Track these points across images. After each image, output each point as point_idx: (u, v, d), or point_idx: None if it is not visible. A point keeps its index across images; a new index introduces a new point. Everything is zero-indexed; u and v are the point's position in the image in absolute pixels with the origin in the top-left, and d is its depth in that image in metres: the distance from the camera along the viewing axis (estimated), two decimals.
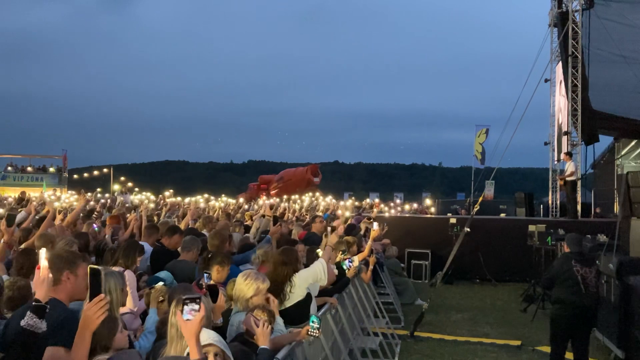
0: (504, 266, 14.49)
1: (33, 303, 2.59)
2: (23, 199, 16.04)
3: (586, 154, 18.89)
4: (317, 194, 29.60)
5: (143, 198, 21.01)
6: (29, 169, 44.40)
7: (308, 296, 4.98)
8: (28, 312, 2.59)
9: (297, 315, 4.76)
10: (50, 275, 2.68)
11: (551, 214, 19.19)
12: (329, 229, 6.42)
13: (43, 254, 2.69)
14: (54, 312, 2.90)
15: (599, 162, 23.74)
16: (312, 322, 3.95)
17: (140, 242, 6.04)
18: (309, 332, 3.94)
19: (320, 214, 13.79)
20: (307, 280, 5.00)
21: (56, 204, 8.68)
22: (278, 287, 4.80)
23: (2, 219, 6.14)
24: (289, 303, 4.85)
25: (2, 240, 5.44)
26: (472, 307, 11.59)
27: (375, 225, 8.06)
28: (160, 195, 22.28)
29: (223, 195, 27.42)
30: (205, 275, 4.27)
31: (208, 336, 2.98)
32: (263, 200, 17.50)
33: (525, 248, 13.19)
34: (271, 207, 12.44)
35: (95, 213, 11.26)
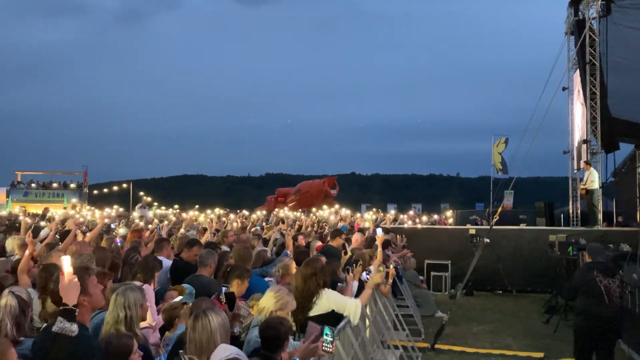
0: (525, 277, 14.31)
1: (61, 308, 2.66)
2: (46, 215, 16.31)
3: (606, 162, 18.65)
4: (337, 206, 29.60)
5: (165, 213, 21.19)
6: (50, 185, 45.09)
7: (331, 313, 4.99)
8: (59, 317, 2.66)
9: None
10: (76, 279, 2.73)
11: (572, 224, 18.93)
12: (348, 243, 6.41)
13: (67, 260, 2.73)
14: (76, 339, 2.93)
15: (620, 170, 23.39)
16: (326, 335, 3.75)
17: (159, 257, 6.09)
18: (324, 348, 3.76)
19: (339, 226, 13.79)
20: (331, 304, 5.00)
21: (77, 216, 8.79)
22: (308, 300, 4.83)
23: (28, 230, 6.27)
24: (312, 313, 4.86)
25: (27, 252, 5.55)
26: (494, 319, 11.45)
27: (380, 231, 8.07)
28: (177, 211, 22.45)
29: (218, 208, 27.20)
30: (223, 289, 4.29)
31: (230, 351, 2.99)
32: (280, 213, 17.52)
33: (546, 258, 13.03)
34: (282, 221, 12.45)
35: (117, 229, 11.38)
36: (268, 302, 4.19)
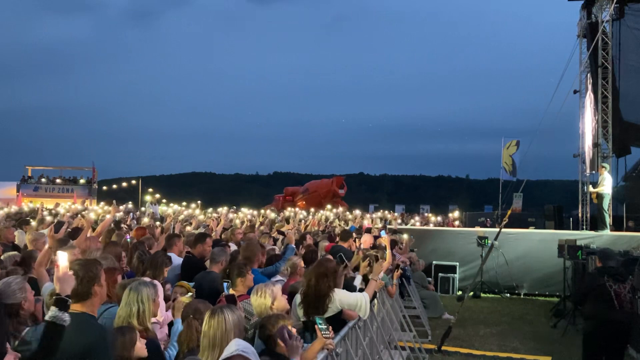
0: (533, 280, 14.26)
1: (55, 297, 2.70)
2: (56, 209, 16.41)
3: (617, 167, 18.52)
4: (346, 206, 29.59)
5: (175, 210, 21.22)
6: (60, 180, 45.41)
7: (339, 313, 5.00)
8: (52, 307, 2.69)
9: None
10: (71, 273, 2.83)
11: (581, 227, 18.82)
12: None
13: (64, 255, 2.83)
14: (89, 330, 2.99)
15: (630, 174, 23.23)
16: (319, 324, 3.84)
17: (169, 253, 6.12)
18: (324, 336, 3.83)
19: (346, 227, 13.79)
20: (344, 304, 5.00)
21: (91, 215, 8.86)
22: (321, 300, 4.82)
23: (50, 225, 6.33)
24: (325, 315, 4.87)
25: (46, 246, 5.59)
26: (501, 322, 11.40)
27: (383, 232, 8.11)
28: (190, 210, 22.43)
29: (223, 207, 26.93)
30: (225, 284, 4.31)
31: (237, 346, 3.00)
32: (294, 212, 17.50)
33: (554, 262, 12.95)
34: (287, 220, 12.43)
35: (125, 226, 11.40)
36: (260, 304, 4.19)
